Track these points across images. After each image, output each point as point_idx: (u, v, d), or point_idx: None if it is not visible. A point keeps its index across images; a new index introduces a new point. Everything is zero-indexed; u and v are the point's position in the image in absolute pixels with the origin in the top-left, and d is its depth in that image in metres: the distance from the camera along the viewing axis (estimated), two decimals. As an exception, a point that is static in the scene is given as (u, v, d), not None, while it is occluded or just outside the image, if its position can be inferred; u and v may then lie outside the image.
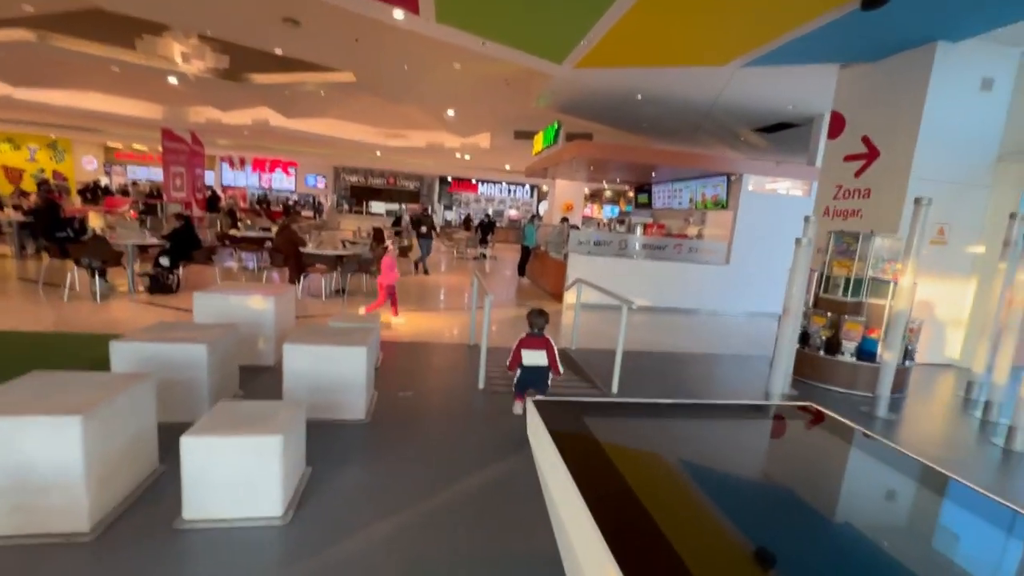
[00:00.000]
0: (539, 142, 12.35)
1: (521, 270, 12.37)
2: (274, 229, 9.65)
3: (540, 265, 11.44)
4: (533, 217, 13.89)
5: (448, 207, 25.97)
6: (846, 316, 5.01)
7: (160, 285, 7.24)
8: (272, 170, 25.61)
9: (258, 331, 4.19)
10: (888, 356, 4.31)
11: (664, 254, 9.99)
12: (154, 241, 7.66)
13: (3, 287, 7.02)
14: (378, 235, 10.22)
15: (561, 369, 3.75)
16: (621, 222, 14.70)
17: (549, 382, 3.69)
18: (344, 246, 9.38)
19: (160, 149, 16.18)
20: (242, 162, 25.25)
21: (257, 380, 3.90)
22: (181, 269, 7.51)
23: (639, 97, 9.46)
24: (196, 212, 16.80)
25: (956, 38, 5.58)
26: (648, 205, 13.83)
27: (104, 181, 22.90)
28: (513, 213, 26.15)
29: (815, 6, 5.05)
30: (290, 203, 23.64)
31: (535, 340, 3.64)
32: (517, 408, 3.76)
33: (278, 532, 2.20)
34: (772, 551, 1.08)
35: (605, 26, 6.34)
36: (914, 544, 1.25)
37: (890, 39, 5.79)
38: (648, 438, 1.64)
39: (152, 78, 13.13)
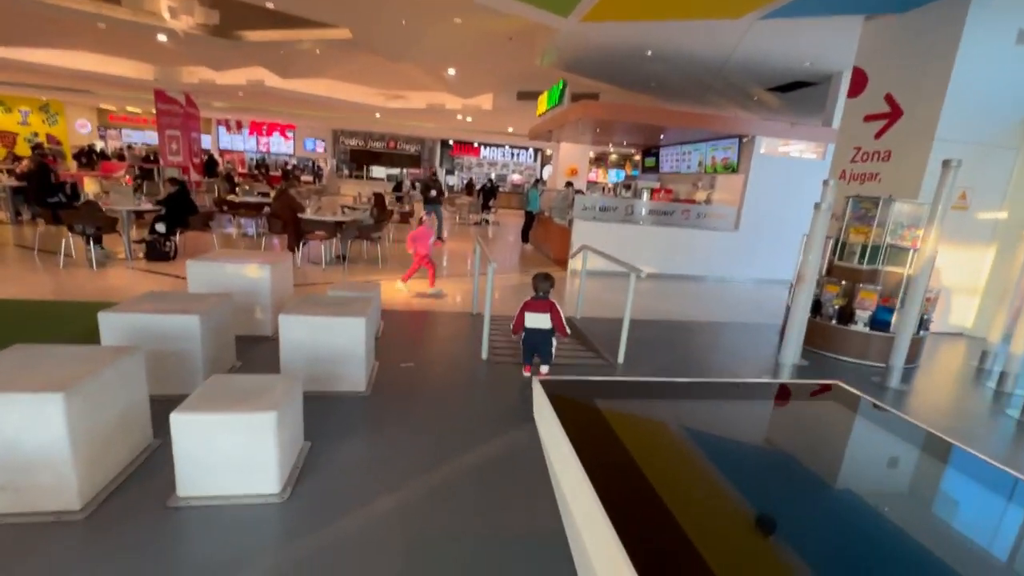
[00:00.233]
0: (543, 103, 11.90)
1: (525, 236, 12.16)
2: (273, 194, 9.42)
3: (544, 231, 11.22)
4: (537, 182, 13.59)
5: (450, 171, 25.45)
6: (861, 284, 4.85)
7: (157, 252, 7.10)
8: (270, 133, 25.02)
9: (254, 300, 4.07)
10: (904, 326, 4.17)
11: (671, 220, 9.75)
12: (148, 207, 7.48)
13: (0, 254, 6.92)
14: (379, 200, 9.97)
15: (568, 330, 3.76)
16: (627, 187, 14.34)
17: (554, 347, 3.72)
18: (344, 212, 9.17)
19: (154, 112, 15.76)
20: (239, 125, 24.66)
21: (255, 350, 3.82)
22: (178, 235, 7.36)
23: (649, 53, 9.00)
24: (194, 177, 16.50)
25: (994, -15, 5.19)
26: (655, 169, 13.44)
27: (99, 145, 22.46)
28: (516, 178, 25.63)
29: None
30: (289, 167, 23.19)
31: (539, 303, 3.64)
32: (526, 374, 3.79)
33: (275, 510, 2.14)
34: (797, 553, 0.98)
35: (615, -26, 5.93)
36: (956, 537, 1.15)
37: (922, -14, 5.39)
38: (661, 419, 1.53)
39: (141, 36, 12.61)
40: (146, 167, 15.62)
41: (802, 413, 1.66)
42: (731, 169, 9.88)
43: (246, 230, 10.21)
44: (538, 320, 3.62)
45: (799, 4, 6.05)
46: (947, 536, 1.15)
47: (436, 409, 3.22)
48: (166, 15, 11.28)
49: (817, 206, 3.84)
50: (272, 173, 21.52)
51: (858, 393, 1.75)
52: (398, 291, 6.34)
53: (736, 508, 1.16)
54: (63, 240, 6.53)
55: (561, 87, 10.53)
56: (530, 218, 11.95)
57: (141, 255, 7.13)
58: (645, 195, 12.37)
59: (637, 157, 16.77)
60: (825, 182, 4.15)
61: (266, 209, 8.69)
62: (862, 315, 4.81)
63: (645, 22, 7.57)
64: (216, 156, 21.59)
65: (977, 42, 5.36)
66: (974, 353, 5.43)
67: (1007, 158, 5.94)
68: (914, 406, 4.04)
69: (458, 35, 10.28)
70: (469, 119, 18.74)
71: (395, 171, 24.81)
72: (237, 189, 14.00)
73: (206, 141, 22.78)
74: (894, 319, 4.68)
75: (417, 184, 22.31)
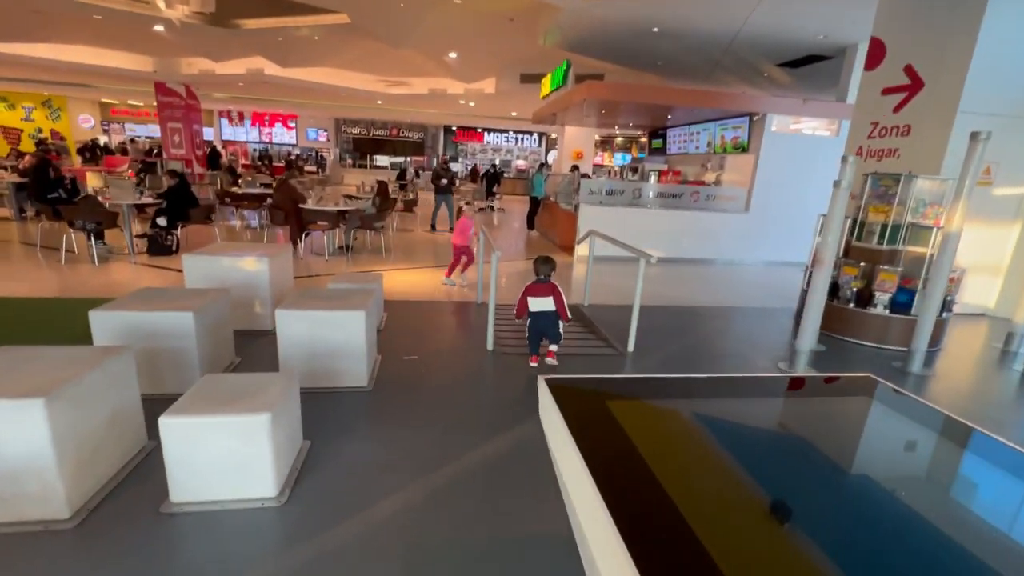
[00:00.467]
0: (547, 85, 11.61)
1: (530, 222, 11.98)
2: (274, 185, 9.30)
3: (550, 217, 11.03)
4: (542, 166, 13.33)
5: (454, 158, 25.17)
6: (880, 266, 4.66)
7: (159, 246, 7.04)
8: (272, 124, 24.86)
9: (253, 294, 3.98)
10: (927, 309, 4.00)
11: (680, 202, 9.52)
12: (148, 200, 7.39)
13: (2, 251, 6.87)
14: (382, 189, 9.80)
15: (569, 315, 3.73)
16: (634, 170, 14.04)
17: (561, 329, 3.70)
18: (346, 201, 9.04)
19: (155, 105, 15.64)
20: (241, 116, 24.51)
21: (255, 345, 3.73)
22: (180, 229, 7.28)
23: (655, 30, 8.70)
24: (197, 169, 16.43)
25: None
26: (662, 151, 13.15)
27: (103, 139, 22.43)
28: (521, 163, 25.31)
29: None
30: (292, 157, 23.05)
31: (541, 286, 3.63)
32: (533, 364, 3.76)
33: (273, 514, 2.05)
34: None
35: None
36: (1004, 540, 1.02)
37: (947, -52, 5.09)
38: (675, 420, 1.40)
39: (138, 27, 12.46)
40: (148, 160, 15.54)
41: (832, 410, 1.53)
42: (741, 148, 9.60)
43: (250, 222, 10.13)
44: (542, 304, 3.62)
45: (814, -28, 5.76)
46: (994, 537, 1.02)
47: (440, 404, 3.11)
48: (161, 4, 11.09)
49: (836, 184, 3.65)
50: (276, 164, 21.40)
51: (891, 386, 1.62)
52: (442, 286, 6.22)
53: (758, 514, 1.04)
54: (64, 236, 6.47)
55: (565, 68, 10.25)
56: (535, 204, 11.75)
57: (143, 249, 7.07)
58: (652, 177, 12.12)
59: (643, 139, 16.42)
60: (843, 159, 3.94)
61: (269, 200, 8.58)
62: (882, 297, 4.63)
63: (651, -4, 7.29)
64: (219, 148, 21.50)
65: (1003, 9, 5.06)
66: (997, 335, 5.24)
67: (1035, 130, 5.66)
68: (939, 392, 3.88)
69: (458, 17, 10.02)
70: (472, 104, 18.45)
71: (399, 159, 24.60)
72: (240, 181, 13.91)
73: (209, 133, 22.67)
74: (916, 301, 4.50)
75: (420, 172, 22.12)
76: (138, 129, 23.75)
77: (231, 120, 24.45)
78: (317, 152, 24.91)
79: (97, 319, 2.76)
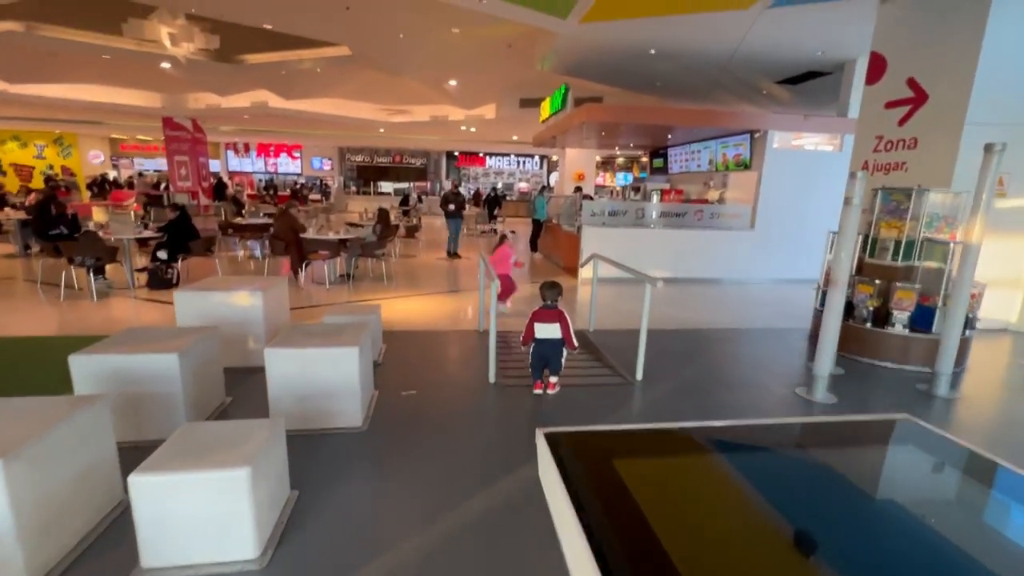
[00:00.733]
0: (546, 108, 11.68)
1: (533, 245, 11.90)
2: (275, 215, 9.29)
3: (552, 239, 10.94)
4: (543, 189, 13.33)
5: (456, 183, 25.38)
6: (897, 283, 4.48)
7: (159, 280, 6.98)
8: (277, 155, 25.24)
9: (247, 330, 3.86)
10: (951, 327, 3.80)
11: (683, 221, 9.41)
12: (149, 234, 7.38)
13: (2, 288, 6.84)
14: (382, 216, 9.78)
15: (576, 343, 3.65)
16: (636, 189, 14.01)
17: (564, 359, 3.65)
18: (348, 229, 9.00)
19: (163, 139, 15.92)
20: (247, 148, 24.92)
21: (247, 383, 3.59)
22: (180, 262, 7.24)
23: (652, 52, 8.74)
24: (203, 201, 16.61)
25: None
26: (664, 170, 13.12)
27: (112, 174, 22.83)
28: (523, 186, 25.44)
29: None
30: (297, 187, 23.30)
31: (548, 313, 3.58)
32: (536, 392, 3.69)
33: (253, 579, 1.88)
34: None
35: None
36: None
37: (944, -40, 5.06)
38: (696, 483, 1.24)
39: (145, 64, 12.78)
40: (153, 194, 15.72)
41: (867, 459, 1.36)
42: (744, 166, 9.52)
43: (253, 252, 10.11)
44: (548, 330, 3.55)
45: (809, -11, 5.74)
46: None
47: (437, 445, 2.94)
48: (167, 43, 11.34)
49: (847, 201, 3.51)
50: (281, 193, 21.61)
51: (931, 428, 1.44)
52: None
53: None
54: (63, 272, 6.43)
55: (563, 91, 10.30)
56: (538, 226, 11.69)
57: (144, 283, 7.02)
58: (655, 197, 12.04)
59: (644, 159, 16.44)
60: (852, 175, 3.82)
61: (270, 231, 8.56)
62: (900, 316, 4.43)
63: (647, 19, 7.31)
64: (225, 179, 21.79)
65: (1006, 17, 4.99)
66: (1022, 351, 5.00)
67: (1046, 139, 5.52)
68: (970, 418, 3.65)
69: (457, 45, 10.15)
70: (473, 129, 18.63)
71: (403, 185, 24.81)
72: (243, 211, 14.00)
73: (215, 165, 23.04)
74: (936, 319, 4.30)
75: (423, 198, 22.26)
76: (147, 163, 24.17)
77: (237, 152, 24.86)
78: (322, 181, 25.19)
79: (78, 364, 2.64)
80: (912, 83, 5.76)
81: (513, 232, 6.57)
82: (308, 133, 21.23)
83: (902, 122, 5.88)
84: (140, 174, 23.11)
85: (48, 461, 1.84)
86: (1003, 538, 1.10)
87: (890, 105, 6.01)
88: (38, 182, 20.11)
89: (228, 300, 3.81)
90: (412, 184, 24.98)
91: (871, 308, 4.60)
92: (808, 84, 10.49)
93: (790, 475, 1.26)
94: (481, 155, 25.57)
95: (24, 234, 9.36)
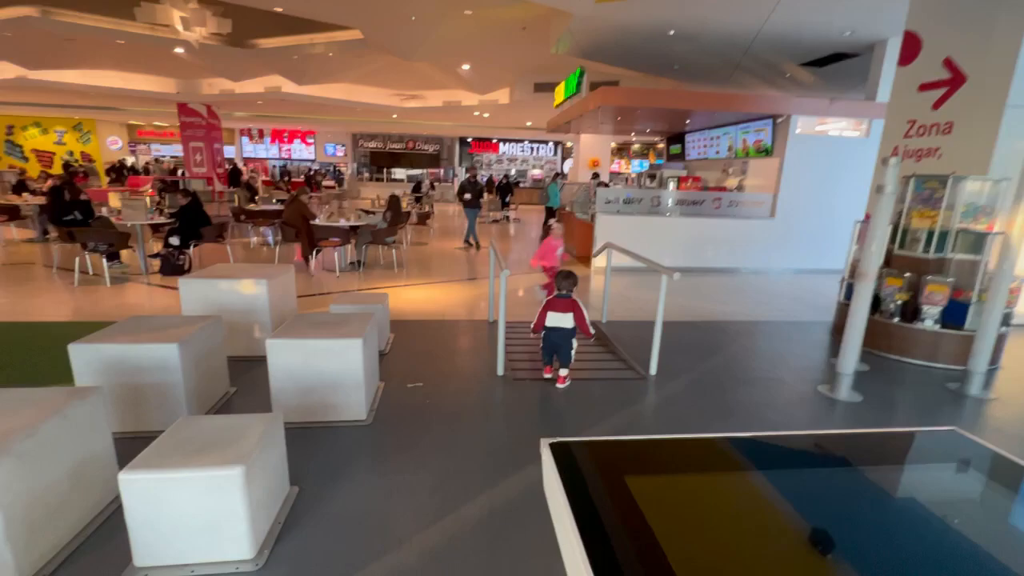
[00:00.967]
0: (560, 93, 11.41)
1: (546, 232, 11.72)
2: (286, 202, 9.26)
3: (566, 227, 10.72)
4: (557, 176, 13.10)
5: (469, 169, 25.19)
6: (928, 276, 4.25)
7: (171, 266, 6.99)
8: (291, 140, 25.27)
9: (252, 318, 3.80)
10: (988, 324, 3.59)
11: (701, 209, 9.15)
12: (161, 220, 7.39)
13: (20, 273, 6.92)
14: (392, 203, 9.68)
15: (592, 331, 3.64)
16: (652, 176, 13.69)
17: (574, 349, 3.59)
18: (360, 216, 8.94)
19: (179, 124, 16.00)
20: (261, 134, 24.97)
21: (252, 373, 3.53)
22: (192, 248, 7.24)
23: (671, 33, 8.41)
24: (217, 187, 16.71)
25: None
26: (681, 156, 12.77)
27: (130, 160, 23.09)
28: (537, 172, 25.13)
29: None
30: (311, 173, 23.32)
31: (561, 302, 3.53)
32: (547, 375, 3.70)
33: (247, 580, 1.81)
34: None
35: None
36: None
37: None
38: (718, 498, 1.11)
39: (160, 50, 12.79)
40: (168, 180, 15.83)
41: (913, 477, 1.22)
42: (765, 152, 9.20)
43: (266, 239, 10.12)
44: (560, 319, 3.51)
45: (841, -36, 5.42)
46: None
47: (443, 440, 2.85)
48: (179, 27, 11.29)
49: (880, 189, 3.30)
50: (295, 179, 21.65)
51: (981, 442, 1.29)
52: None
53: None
54: (76, 258, 6.46)
55: (579, 75, 10.03)
56: (551, 214, 11.50)
57: (156, 270, 7.05)
58: (671, 184, 11.75)
59: (660, 145, 16.05)
60: (884, 161, 3.59)
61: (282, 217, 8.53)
62: (930, 311, 4.21)
63: (667, -2, 7.02)
64: (240, 165, 21.89)
65: (1055, -9, 4.64)
66: (1061, 348, 4.75)
67: (1093, 123, 5.17)
68: (1006, 420, 3.46)
69: (470, 28, 9.92)
70: (486, 115, 18.37)
71: (416, 172, 24.69)
72: (257, 198, 14.02)
73: (230, 151, 23.15)
74: (969, 314, 4.08)
75: (435, 185, 22.13)
76: (163, 149, 24.39)
77: (251, 138, 24.93)
78: (335, 167, 25.18)
79: (77, 352, 2.60)
80: (949, 64, 5.42)
81: (559, 221, 6.22)
82: (321, 119, 21.16)
83: (937, 105, 5.55)
84: (157, 160, 23.35)
85: (39, 456, 1.78)
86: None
87: (924, 87, 5.69)
88: (59, 168, 20.42)
89: (234, 288, 3.75)
90: (425, 171, 24.84)
91: (899, 302, 4.39)
92: (833, 67, 10.05)
93: (827, 494, 1.12)
94: (494, 141, 25.28)
95: (43, 220, 9.47)
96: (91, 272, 6.74)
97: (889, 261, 4.71)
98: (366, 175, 24.80)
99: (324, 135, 25.16)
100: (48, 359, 3.68)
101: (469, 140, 25.22)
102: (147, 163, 22.65)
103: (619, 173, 21.88)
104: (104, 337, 2.70)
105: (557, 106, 11.92)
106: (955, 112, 5.36)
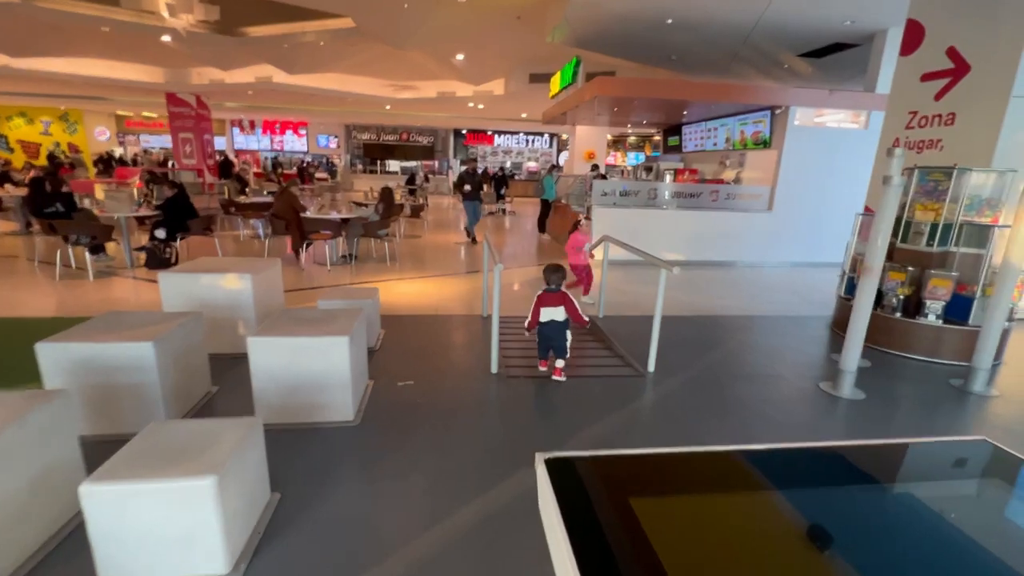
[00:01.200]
0: (556, 83, 11.23)
1: (541, 226, 11.59)
2: (276, 194, 9.06)
3: (561, 220, 10.61)
4: (552, 168, 12.95)
5: (464, 161, 24.96)
6: (931, 271, 4.16)
7: (157, 259, 6.81)
8: (283, 132, 24.91)
9: (237, 314, 3.66)
10: (993, 319, 3.51)
11: (698, 202, 9.04)
12: (146, 212, 7.19)
13: (1, 267, 6.72)
14: (385, 195, 9.50)
15: (586, 319, 3.66)
16: (649, 169, 13.56)
17: (569, 343, 3.56)
18: (353, 208, 8.77)
19: (168, 115, 15.68)
20: (252, 125, 24.60)
21: (236, 371, 3.40)
22: (179, 241, 7.06)
23: (669, 22, 8.25)
24: (208, 178, 16.43)
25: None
26: (678, 148, 12.65)
27: (118, 151, 22.69)
28: (532, 165, 24.93)
29: None
30: (304, 164, 23.01)
31: (552, 296, 3.53)
32: (542, 369, 3.66)
33: (222, 597, 1.70)
34: None
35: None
36: None
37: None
38: (733, 520, 1.00)
39: (146, 38, 12.46)
40: (156, 171, 15.53)
41: (942, 492, 1.11)
42: (763, 144, 9.09)
43: (257, 231, 9.92)
44: (552, 313, 3.51)
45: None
46: None
47: (434, 443, 2.73)
48: (165, 13, 11.01)
49: (887, 181, 3.19)
50: (287, 171, 21.35)
51: (1012, 452, 1.19)
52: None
53: None
54: (58, 251, 6.27)
55: (575, 63, 9.85)
56: (546, 207, 11.36)
57: (142, 263, 6.87)
58: (668, 177, 11.62)
59: (657, 138, 15.89)
60: (890, 151, 3.49)
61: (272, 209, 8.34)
62: (933, 306, 4.13)
63: (665, -16, 6.85)
64: (232, 157, 21.56)
65: (1063, -22, 4.53)
66: (1063, 343, 4.69)
67: (1098, 115, 5.08)
68: (1012, 418, 3.38)
69: (463, 17, 9.71)
70: (481, 106, 18.14)
71: (410, 163, 24.41)
72: (247, 190, 13.79)
73: (221, 142, 22.79)
74: (973, 309, 4.00)
75: (430, 177, 21.89)
76: (152, 140, 23.98)
77: (242, 129, 24.56)
78: (328, 159, 24.87)
79: (46, 352, 2.45)
80: (952, 53, 5.31)
81: (588, 219, 5.86)
82: (313, 109, 20.84)
83: (939, 96, 5.45)
84: (146, 151, 22.97)
85: (-7, 467, 1.65)
86: None
87: (927, 77, 5.58)
88: (44, 159, 20.04)
89: (217, 283, 3.61)
90: (420, 163, 24.58)
91: (902, 297, 4.30)
92: (832, 57, 9.93)
93: (855, 513, 1.01)
94: (489, 133, 25.03)
95: (25, 212, 9.23)
96: (74, 266, 6.55)
97: (891, 255, 4.62)
98: (360, 167, 24.51)
99: (316, 126, 24.82)
100: (18, 358, 3.52)
101: (464, 132, 24.97)
102: (136, 154, 22.26)
103: (615, 165, 21.73)
104: (75, 335, 2.55)
105: (553, 96, 11.75)
106: (958, 103, 5.26)
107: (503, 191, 15.11)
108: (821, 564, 0.91)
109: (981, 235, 4.12)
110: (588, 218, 5.83)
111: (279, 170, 21.54)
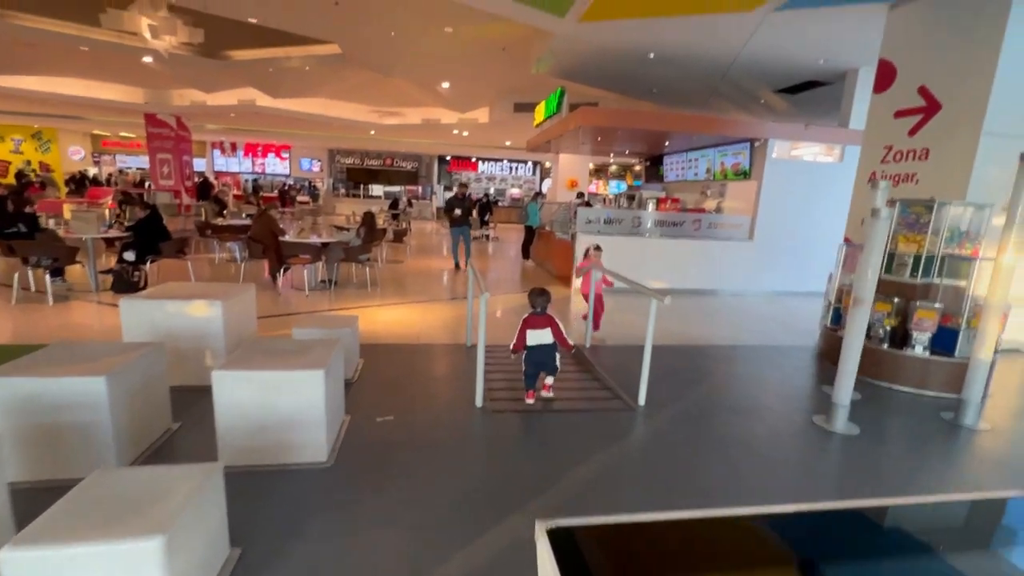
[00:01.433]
0: (541, 112, 11.38)
1: (525, 252, 11.55)
2: (254, 217, 8.85)
3: (545, 247, 10.60)
4: (536, 195, 13.02)
5: (448, 187, 25.01)
6: (916, 302, 4.17)
7: (124, 283, 6.49)
8: (265, 155, 24.70)
9: (205, 343, 3.43)
10: (980, 351, 3.50)
11: (681, 231, 9.11)
12: (115, 233, 6.91)
13: (-49, 291, 6.32)
14: (367, 220, 9.36)
15: (572, 344, 3.63)
16: (631, 198, 13.75)
17: (558, 362, 3.55)
18: (334, 232, 8.59)
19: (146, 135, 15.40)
20: (233, 147, 24.35)
21: (200, 404, 3.14)
22: (149, 264, 6.76)
23: (651, 56, 8.46)
24: (186, 200, 16.08)
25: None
26: (659, 178, 12.86)
27: (93, 171, 22.14)
28: (516, 192, 25.14)
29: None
30: (285, 187, 22.77)
31: (538, 319, 3.49)
32: (529, 401, 3.56)
33: None
34: None
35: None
36: None
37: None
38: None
39: (127, 59, 12.28)
40: (129, 192, 15.15)
41: (984, 559, 1.00)
42: (743, 175, 9.27)
43: (234, 255, 9.63)
44: (540, 336, 3.48)
45: (818, -9, 5.49)
46: None
47: (413, 487, 2.53)
48: (147, 35, 10.88)
49: (875, 212, 3.19)
50: (268, 194, 21.06)
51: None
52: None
53: None
54: (15, 274, 5.93)
55: (559, 94, 10.01)
56: (530, 233, 11.35)
57: (108, 287, 6.54)
58: (650, 205, 11.77)
59: (638, 167, 16.19)
60: (872, 183, 3.51)
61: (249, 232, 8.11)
62: (920, 337, 4.12)
63: (648, 20, 7.02)
64: (212, 179, 21.22)
65: (1027, 20, 4.74)
66: (1043, 375, 4.73)
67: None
68: (1004, 452, 3.33)
69: (450, 46, 9.82)
70: (465, 133, 18.30)
71: (394, 188, 24.37)
72: (225, 212, 13.49)
73: (201, 164, 22.45)
74: (959, 341, 4.00)
75: (413, 202, 21.86)
76: (129, 160, 23.51)
77: (223, 151, 24.29)
78: (310, 182, 24.69)
79: (-17, 388, 2.22)
80: (924, 92, 5.50)
81: (599, 248, 5.57)
82: (297, 133, 20.76)
83: (913, 132, 5.61)
84: (121, 171, 22.48)
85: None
86: None
87: (900, 114, 5.75)
88: (13, 177, 19.42)
89: (183, 310, 3.39)
90: (403, 188, 24.57)
91: (888, 328, 4.29)
92: (806, 94, 10.30)
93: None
94: (473, 160, 25.24)
95: (-14, 232, 8.81)
96: (33, 289, 6.21)
97: (878, 286, 4.64)
98: (342, 191, 24.36)
99: (300, 149, 24.70)
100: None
101: (448, 158, 25.13)
102: (111, 174, 21.76)
103: (596, 194, 22.03)
104: (17, 369, 2.32)
105: (537, 125, 11.89)
106: (931, 139, 5.41)
107: (487, 217, 15.11)
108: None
109: (963, 267, 4.17)
110: (599, 248, 5.64)
111: (259, 193, 21.27)
